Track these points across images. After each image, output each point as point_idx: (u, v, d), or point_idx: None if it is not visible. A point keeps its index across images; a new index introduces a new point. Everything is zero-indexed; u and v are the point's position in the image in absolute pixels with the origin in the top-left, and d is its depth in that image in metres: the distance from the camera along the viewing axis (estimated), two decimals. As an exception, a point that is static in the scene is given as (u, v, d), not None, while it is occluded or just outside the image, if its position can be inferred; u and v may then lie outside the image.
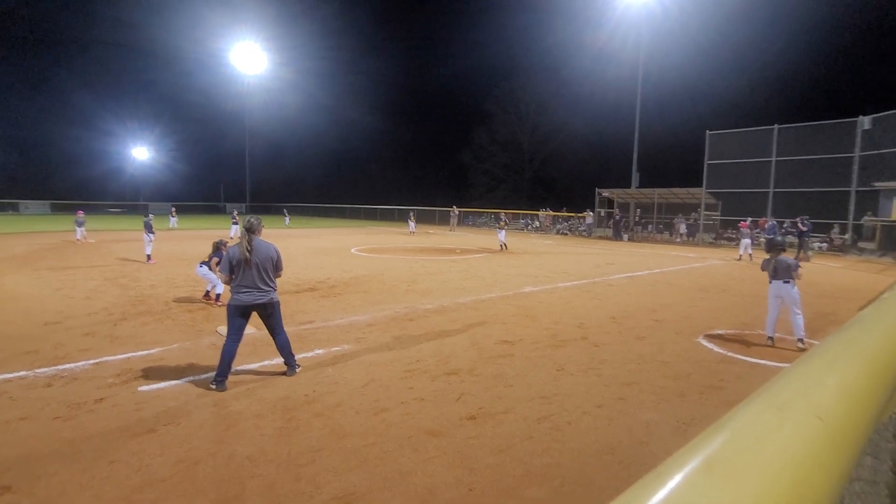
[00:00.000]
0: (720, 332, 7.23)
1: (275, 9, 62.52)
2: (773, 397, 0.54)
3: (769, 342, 6.62)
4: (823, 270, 14.72)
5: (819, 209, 21.02)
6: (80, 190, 55.14)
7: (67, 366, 5.26)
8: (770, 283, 6.55)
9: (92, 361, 5.41)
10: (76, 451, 3.51)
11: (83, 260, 14.21)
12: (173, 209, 31.42)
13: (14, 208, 48.81)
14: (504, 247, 19.86)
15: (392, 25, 79.97)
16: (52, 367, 5.20)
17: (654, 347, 6.36)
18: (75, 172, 60.26)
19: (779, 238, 6.68)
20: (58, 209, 49.07)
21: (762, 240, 20.72)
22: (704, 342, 6.66)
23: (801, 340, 6.39)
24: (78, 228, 19.39)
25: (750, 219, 20.45)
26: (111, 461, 3.37)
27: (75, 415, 4.09)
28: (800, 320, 6.37)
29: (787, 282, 6.35)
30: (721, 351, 6.27)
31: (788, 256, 6.63)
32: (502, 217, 21.72)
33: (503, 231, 20.37)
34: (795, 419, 0.50)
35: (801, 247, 17.63)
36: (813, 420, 0.51)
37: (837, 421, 0.53)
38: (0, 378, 4.87)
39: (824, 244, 21.78)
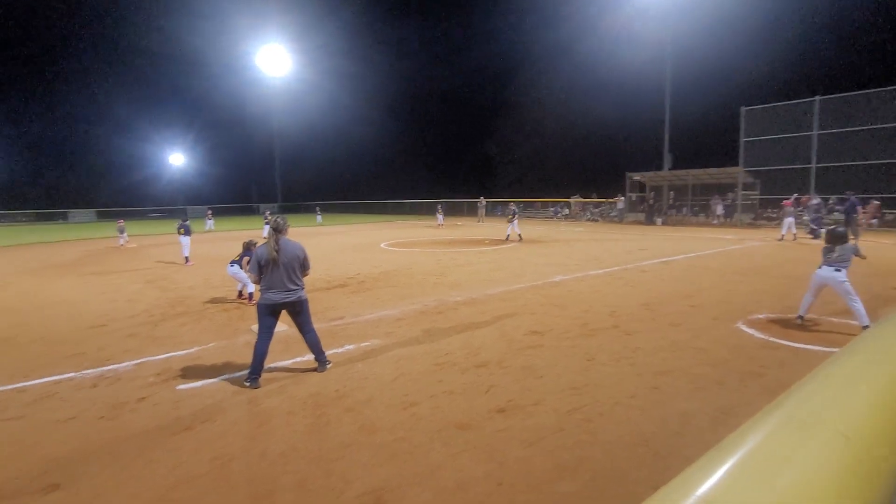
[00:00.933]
0: (760, 316, 6.93)
1: (297, 11, 63.06)
2: (792, 412, 0.46)
3: (798, 319, 6.49)
4: (873, 247, 13.91)
5: (867, 183, 19.88)
6: (122, 196, 57.59)
7: (111, 367, 5.49)
8: (820, 266, 6.23)
9: (134, 362, 5.63)
10: (118, 450, 3.66)
11: (125, 264, 14.81)
12: (209, 212, 32.41)
13: (63, 217, 51.37)
14: (508, 237, 19.05)
15: (411, 21, 79.58)
16: (98, 369, 5.44)
17: (689, 334, 6.15)
18: (118, 180, 62.82)
19: (840, 229, 6.32)
20: (103, 216, 51.32)
21: (805, 218, 19.80)
22: (744, 327, 6.40)
23: (866, 328, 5.98)
24: (120, 235, 20.39)
25: (795, 195, 19.49)
26: (150, 459, 3.50)
27: (118, 414, 4.26)
28: (859, 307, 5.98)
29: (839, 270, 6.02)
30: (762, 336, 6.01)
31: (851, 244, 6.29)
32: (512, 207, 20.45)
33: (514, 222, 19.27)
34: (818, 438, 0.43)
35: (849, 224, 16.71)
36: (838, 438, 0.43)
37: (868, 438, 0.45)
38: (51, 379, 5.13)
39: (874, 220, 20.61)
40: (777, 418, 0.47)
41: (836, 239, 6.21)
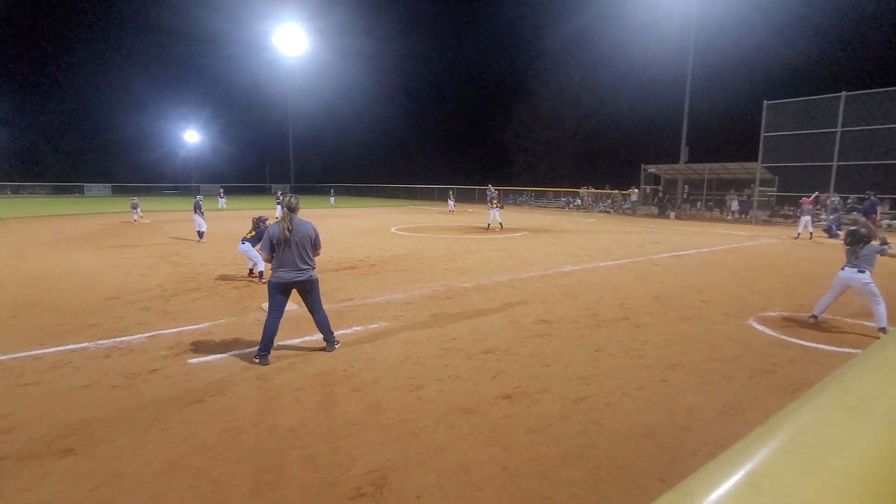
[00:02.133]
0: (773, 314, 6.86)
1: (315, -10, 62.52)
2: (841, 395, 0.45)
3: (811, 319, 6.41)
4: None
5: (889, 183, 19.42)
6: (138, 173, 58.41)
7: (125, 338, 5.59)
8: (843, 267, 6.12)
9: (147, 334, 5.72)
10: (131, 418, 3.74)
11: (140, 239, 15.00)
12: (221, 190, 32.64)
13: (80, 191, 52.08)
14: (501, 226, 19.03)
15: (430, 2, 78.57)
16: (112, 340, 5.53)
17: (700, 329, 6.10)
18: (134, 156, 63.75)
19: (862, 230, 6.21)
20: (118, 191, 51.94)
21: (823, 217, 19.44)
22: (755, 324, 6.33)
23: (882, 330, 5.89)
24: (134, 211, 20.73)
25: (816, 193, 19.04)
26: (162, 429, 3.57)
27: (131, 384, 4.34)
28: (882, 309, 5.88)
29: (863, 271, 5.91)
30: (773, 333, 5.95)
31: (874, 244, 6.16)
32: (494, 193, 19.98)
33: (497, 209, 19.03)
34: (871, 423, 0.41)
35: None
36: (889, 423, 0.41)
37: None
38: (66, 348, 5.24)
39: (894, 221, 20.20)
40: (822, 403, 0.45)
41: (857, 240, 6.09)
